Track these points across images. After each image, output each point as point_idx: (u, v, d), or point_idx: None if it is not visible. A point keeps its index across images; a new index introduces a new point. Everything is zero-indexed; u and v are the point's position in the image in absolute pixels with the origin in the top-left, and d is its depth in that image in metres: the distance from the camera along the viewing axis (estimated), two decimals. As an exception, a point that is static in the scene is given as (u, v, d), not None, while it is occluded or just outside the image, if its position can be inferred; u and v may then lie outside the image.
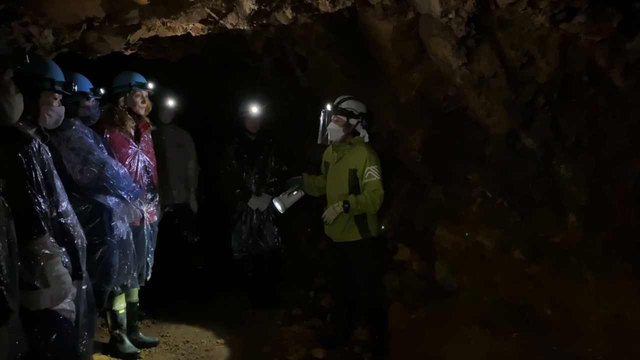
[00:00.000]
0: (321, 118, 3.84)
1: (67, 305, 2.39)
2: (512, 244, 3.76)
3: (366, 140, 3.78)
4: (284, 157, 5.07)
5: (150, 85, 3.87)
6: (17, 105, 2.20)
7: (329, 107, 3.79)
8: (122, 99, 3.78)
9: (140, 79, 3.82)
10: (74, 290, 2.46)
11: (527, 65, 3.22)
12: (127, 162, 3.68)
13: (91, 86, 3.36)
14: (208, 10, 3.12)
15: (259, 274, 4.99)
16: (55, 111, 2.56)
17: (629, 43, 2.83)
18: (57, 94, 2.55)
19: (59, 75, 2.56)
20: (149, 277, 3.93)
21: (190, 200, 5.01)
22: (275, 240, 4.92)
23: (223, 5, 3.06)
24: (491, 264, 3.85)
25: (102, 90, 3.56)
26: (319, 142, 3.88)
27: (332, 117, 3.75)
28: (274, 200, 3.99)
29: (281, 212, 4.04)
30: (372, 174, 3.65)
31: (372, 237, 3.81)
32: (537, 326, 3.39)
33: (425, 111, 4.00)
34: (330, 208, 3.71)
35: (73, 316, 2.43)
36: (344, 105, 3.73)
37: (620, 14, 2.67)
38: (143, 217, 3.74)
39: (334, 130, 3.73)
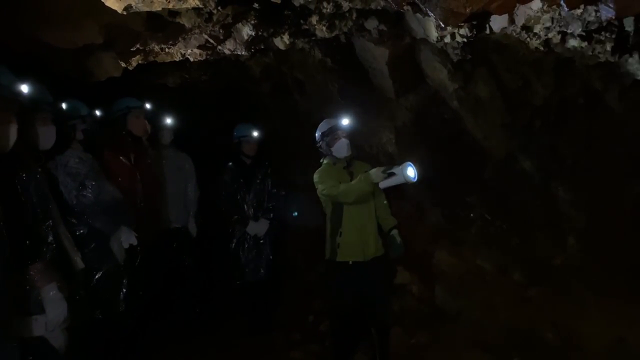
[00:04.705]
0: (328, 137, 3.76)
1: (60, 333, 2.36)
2: (512, 267, 3.74)
3: None
4: (282, 180, 5.04)
5: (147, 106, 3.89)
6: (12, 135, 2.18)
7: (339, 124, 3.73)
8: (120, 122, 3.79)
9: (136, 102, 3.84)
10: (68, 317, 2.42)
11: (523, 88, 3.25)
12: (124, 186, 3.67)
13: (87, 109, 3.37)
14: (206, 37, 3.16)
15: (257, 300, 4.86)
16: (46, 131, 2.56)
17: (624, 66, 2.86)
18: (46, 114, 2.55)
19: (45, 95, 2.57)
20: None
21: (189, 224, 4.97)
22: (273, 266, 4.79)
23: (221, 31, 3.11)
24: (491, 287, 3.82)
25: (97, 112, 3.55)
26: (332, 162, 3.79)
27: (341, 133, 3.71)
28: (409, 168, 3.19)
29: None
30: None
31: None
32: (538, 350, 3.34)
33: (422, 134, 4.02)
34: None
35: (63, 347, 2.39)
36: (349, 122, 3.72)
37: (614, 38, 2.70)
38: (139, 241, 3.71)
39: (348, 146, 3.69)
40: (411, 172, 3.20)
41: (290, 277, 5.48)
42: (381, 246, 3.74)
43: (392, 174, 3.23)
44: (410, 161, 3.21)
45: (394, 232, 3.67)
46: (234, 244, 4.76)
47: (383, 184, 3.31)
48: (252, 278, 4.73)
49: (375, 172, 3.32)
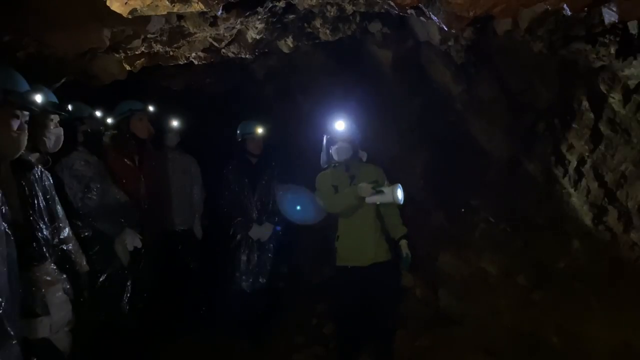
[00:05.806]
0: (325, 141, 3.78)
1: (65, 335, 2.37)
2: (516, 270, 3.72)
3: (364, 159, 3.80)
4: (286, 182, 4.97)
5: (150, 108, 3.91)
6: (22, 141, 2.19)
7: (335, 129, 3.74)
8: (124, 125, 3.81)
9: (139, 104, 3.86)
10: (72, 319, 2.43)
11: (526, 91, 3.25)
12: (129, 189, 3.68)
13: (88, 112, 3.39)
14: (210, 40, 3.18)
15: (256, 309, 4.62)
16: (53, 133, 2.58)
17: (628, 69, 2.85)
18: (53, 116, 2.57)
19: (52, 98, 2.59)
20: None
21: (195, 226, 4.98)
22: (276, 273, 4.62)
23: (225, 34, 3.12)
24: (495, 291, 3.81)
25: (98, 113, 3.58)
26: (325, 165, 3.81)
27: (339, 137, 3.71)
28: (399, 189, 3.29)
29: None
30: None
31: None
32: (543, 354, 3.32)
33: (426, 136, 4.02)
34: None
35: (68, 348, 2.40)
36: (349, 126, 3.72)
37: (618, 40, 2.70)
38: (143, 244, 3.71)
39: (345, 150, 3.69)
40: (400, 193, 3.28)
41: (295, 279, 5.47)
42: (385, 252, 3.69)
43: (380, 192, 3.28)
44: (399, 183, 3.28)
45: (402, 242, 3.63)
46: (235, 248, 4.51)
47: (369, 200, 3.33)
48: (252, 287, 4.50)
49: (364, 187, 3.35)
